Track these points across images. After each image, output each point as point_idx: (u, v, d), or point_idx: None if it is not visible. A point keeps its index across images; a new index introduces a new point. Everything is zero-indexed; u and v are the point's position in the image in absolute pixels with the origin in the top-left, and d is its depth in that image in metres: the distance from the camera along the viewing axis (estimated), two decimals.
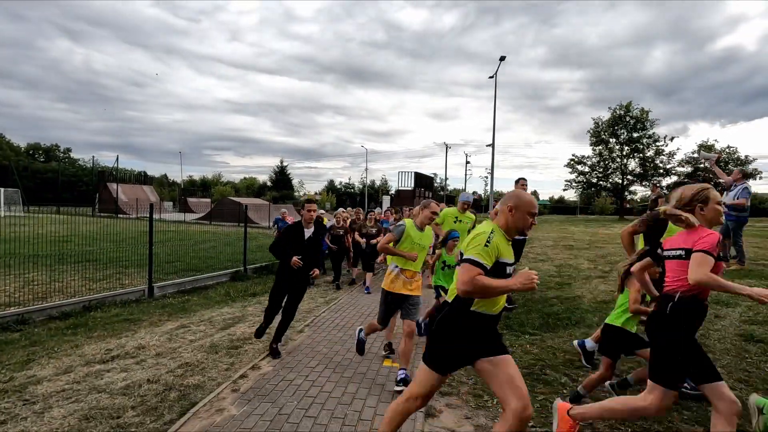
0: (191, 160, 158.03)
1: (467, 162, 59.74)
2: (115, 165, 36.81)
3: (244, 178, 78.93)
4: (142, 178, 41.88)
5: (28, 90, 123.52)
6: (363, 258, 8.64)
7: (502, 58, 22.62)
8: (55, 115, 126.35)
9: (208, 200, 41.05)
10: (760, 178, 34.89)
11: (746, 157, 35.34)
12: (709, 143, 36.89)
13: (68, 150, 71.62)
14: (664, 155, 35.66)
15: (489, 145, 24.62)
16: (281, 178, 67.63)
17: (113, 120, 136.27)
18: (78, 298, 6.45)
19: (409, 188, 32.03)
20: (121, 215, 26.34)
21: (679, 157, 36.55)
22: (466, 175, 65.15)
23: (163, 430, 2.92)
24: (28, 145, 68.33)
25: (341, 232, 8.70)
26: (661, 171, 35.85)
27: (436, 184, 49.95)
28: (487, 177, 58.29)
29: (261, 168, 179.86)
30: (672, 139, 35.97)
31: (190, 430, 2.93)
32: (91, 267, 8.86)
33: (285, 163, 70.25)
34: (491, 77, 23.50)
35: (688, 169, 36.85)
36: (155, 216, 8.33)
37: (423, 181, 35.00)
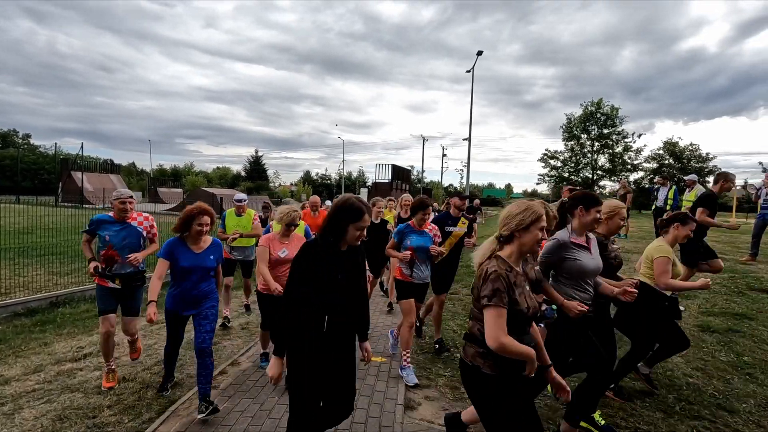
0: (162, 149, 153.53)
1: (444, 155, 60.04)
2: (80, 152, 35.18)
3: (217, 168, 77.05)
4: (109, 167, 40.16)
5: None
6: None
7: (479, 53, 22.83)
8: (15, 99, 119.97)
9: (180, 190, 39.90)
10: None
11: (707, 154, 37.10)
12: (673, 140, 38.49)
13: (27, 136, 67.88)
14: (631, 151, 37.03)
15: (465, 139, 24.92)
16: (256, 168, 66.22)
17: (79, 105, 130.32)
18: (44, 294, 6.22)
19: (387, 180, 32.10)
20: (87, 205, 25.29)
21: (645, 153, 38.08)
22: (442, 167, 65.63)
23: (142, 429, 2.89)
24: None
25: None
26: (629, 167, 37.25)
27: (413, 177, 50.20)
28: (463, 170, 59.03)
29: (235, 157, 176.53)
30: (639, 135, 37.47)
31: (170, 428, 2.91)
32: (56, 261, 8.52)
33: (260, 153, 68.81)
34: (468, 71, 23.69)
35: (654, 165, 38.41)
36: None
37: (400, 173, 35.13)
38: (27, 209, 10.50)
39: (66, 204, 25.04)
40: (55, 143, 75.50)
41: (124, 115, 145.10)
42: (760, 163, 37.50)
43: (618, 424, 3.01)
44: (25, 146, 62.73)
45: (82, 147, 35.06)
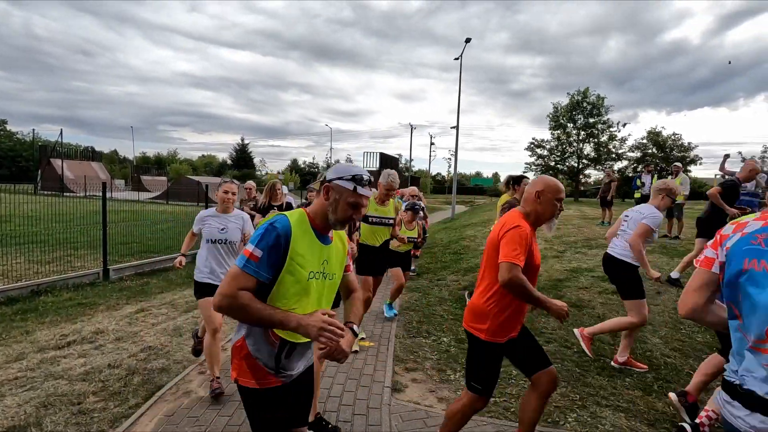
0: (145, 136, 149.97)
1: (432, 143, 59.95)
2: (59, 139, 34.18)
3: (203, 156, 75.83)
4: (90, 154, 39.12)
5: None
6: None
7: (468, 40, 22.70)
8: None
9: (164, 178, 39.14)
10: (701, 163, 37.50)
11: (689, 143, 37.77)
12: (657, 130, 39.05)
13: (4, 122, 65.57)
14: (616, 140, 37.47)
15: (453, 127, 24.88)
16: (242, 156, 65.36)
17: (57, 90, 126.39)
18: (25, 282, 6.09)
19: (375, 168, 31.95)
20: (68, 193, 24.68)
21: (630, 142, 38.58)
22: (430, 156, 65.78)
23: (129, 414, 2.88)
24: None
25: None
26: (614, 156, 37.72)
27: (401, 165, 50.08)
28: (450, 158, 59.17)
29: (220, 145, 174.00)
30: (624, 125, 37.86)
31: (157, 413, 2.90)
32: (36, 249, 8.32)
33: (246, 141, 67.90)
34: (456, 59, 23.55)
35: (638, 154, 38.97)
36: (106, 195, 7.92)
37: (388, 161, 34.94)
38: (4, 197, 10.19)
39: (45, 192, 24.41)
40: (33, 129, 73.23)
41: (104, 101, 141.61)
42: (740, 153, 38.37)
43: (599, 402, 3.11)
44: (2, 132, 60.68)
45: (61, 133, 34.09)
